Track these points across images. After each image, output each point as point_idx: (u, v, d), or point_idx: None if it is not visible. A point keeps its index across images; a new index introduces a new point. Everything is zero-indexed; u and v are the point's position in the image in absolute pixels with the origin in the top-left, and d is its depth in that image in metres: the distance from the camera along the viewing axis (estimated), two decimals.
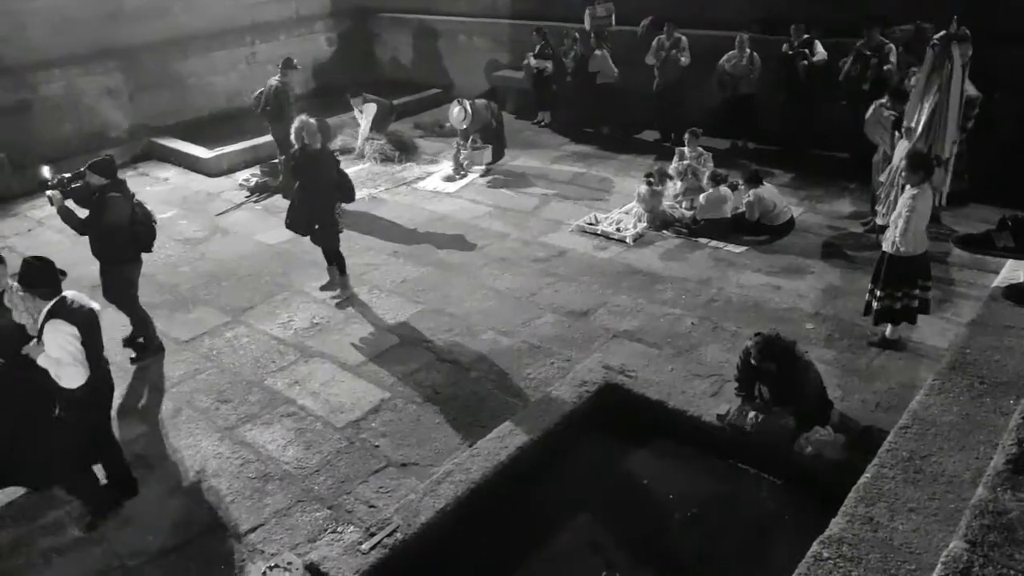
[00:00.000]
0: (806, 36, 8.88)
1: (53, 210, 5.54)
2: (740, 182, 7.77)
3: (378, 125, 10.39)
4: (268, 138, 9.38)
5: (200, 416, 5.35)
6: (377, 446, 4.98)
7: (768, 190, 7.57)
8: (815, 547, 3.31)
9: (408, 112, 11.75)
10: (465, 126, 9.45)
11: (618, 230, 7.71)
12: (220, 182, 9.80)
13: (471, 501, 4.29)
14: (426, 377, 5.67)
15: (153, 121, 11.12)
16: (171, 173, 10.26)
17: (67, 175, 5.60)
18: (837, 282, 6.62)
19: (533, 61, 10.95)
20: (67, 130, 10.28)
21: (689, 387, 5.22)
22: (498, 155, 9.80)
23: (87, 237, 5.62)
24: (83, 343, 3.96)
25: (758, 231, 7.47)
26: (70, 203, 5.57)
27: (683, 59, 9.55)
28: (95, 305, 4.21)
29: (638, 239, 7.60)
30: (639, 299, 6.54)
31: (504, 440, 4.66)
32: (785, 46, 8.97)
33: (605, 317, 6.30)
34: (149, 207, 5.85)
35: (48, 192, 5.49)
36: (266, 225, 8.50)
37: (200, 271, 7.46)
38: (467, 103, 9.43)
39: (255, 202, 9.17)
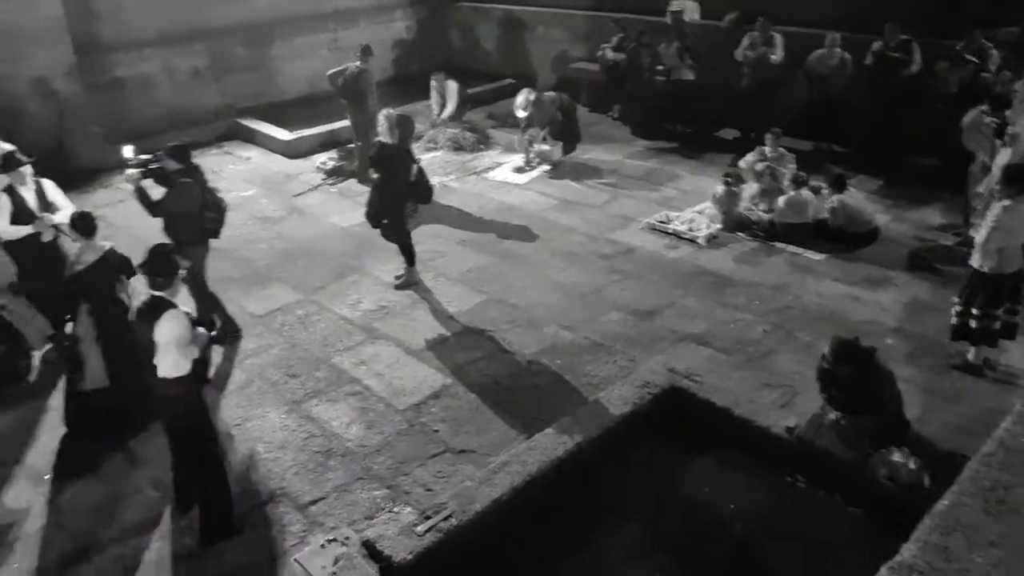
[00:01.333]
0: (903, 38, 8.54)
1: (144, 182, 5.79)
2: (823, 186, 7.56)
3: (452, 113, 10.54)
4: (345, 123, 9.61)
5: (270, 389, 5.56)
6: (436, 431, 5.08)
7: (853, 196, 7.34)
8: (883, 571, 3.21)
9: (483, 101, 11.86)
10: (522, 114, 9.48)
11: (690, 230, 7.61)
12: (299, 164, 10.11)
13: (526, 494, 4.31)
14: (487, 366, 5.74)
15: (238, 102, 11.54)
16: (253, 153, 10.64)
17: (146, 156, 5.85)
18: (923, 296, 6.37)
19: (609, 53, 10.89)
20: (156, 108, 10.75)
21: (757, 396, 5.12)
22: (569, 148, 9.78)
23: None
24: None
25: (840, 238, 7.25)
26: (148, 184, 5.79)
27: (774, 57, 9.31)
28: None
29: (711, 240, 7.49)
30: (709, 302, 6.45)
31: (562, 435, 4.67)
32: (879, 45, 8.65)
33: (672, 318, 6.24)
34: (222, 193, 6.04)
35: (127, 171, 5.74)
36: (340, 208, 8.73)
37: (276, 249, 7.73)
38: (532, 94, 9.46)
39: (331, 185, 9.42)
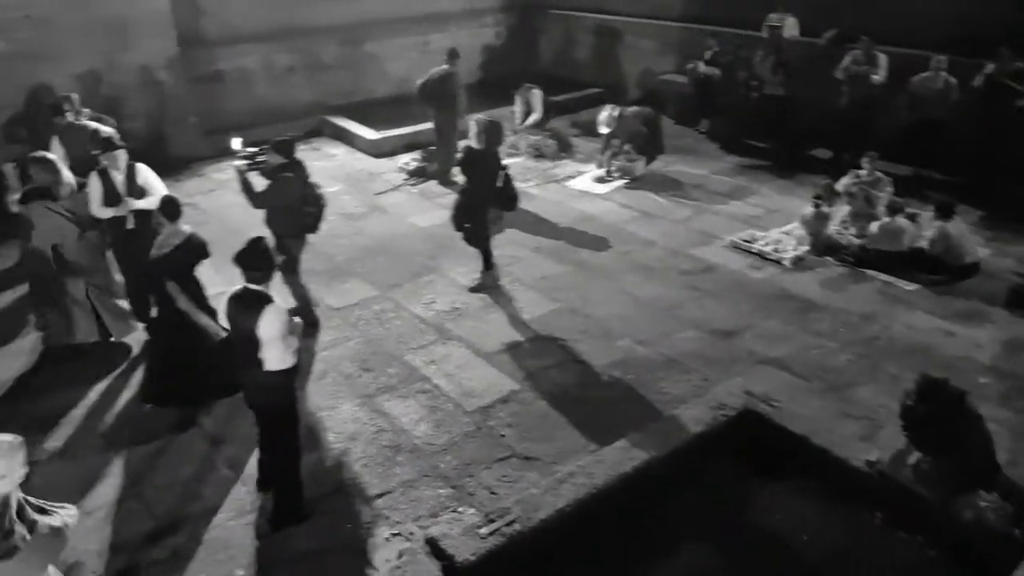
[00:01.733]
0: (1019, 65, 8.12)
1: (234, 174, 6.08)
2: (920, 213, 7.26)
3: (538, 121, 10.62)
4: (429, 125, 9.80)
5: (344, 381, 5.71)
6: (503, 435, 5.12)
7: (956, 226, 7.02)
8: None
9: (568, 109, 11.88)
10: (605, 130, 9.50)
11: (776, 251, 7.44)
12: (382, 163, 10.36)
13: (590, 506, 4.30)
14: (557, 375, 5.75)
15: (328, 100, 11.92)
16: (340, 151, 10.97)
17: (252, 149, 6.12)
18: (1022, 336, 6.05)
19: (702, 67, 10.77)
20: (251, 102, 11.21)
21: (838, 426, 4.96)
22: (650, 160, 9.71)
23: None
24: None
25: (937, 269, 6.94)
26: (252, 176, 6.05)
27: (876, 76, 9.01)
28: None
29: (797, 263, 7.29)
30: (791, 326, 6.29)
31: (631, 451, 4.63)
32: (992, 68, 8.26)
33: (751, 340, 6.11)
34: (321, 190, 6.23)
35: (234, 162, 6.03)
36: (420, 208, 8.90)
37: (357, 245, 7.94)
38: (616, 110, 9.46)
39: (412, 185, 9.62)
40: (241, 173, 5.93)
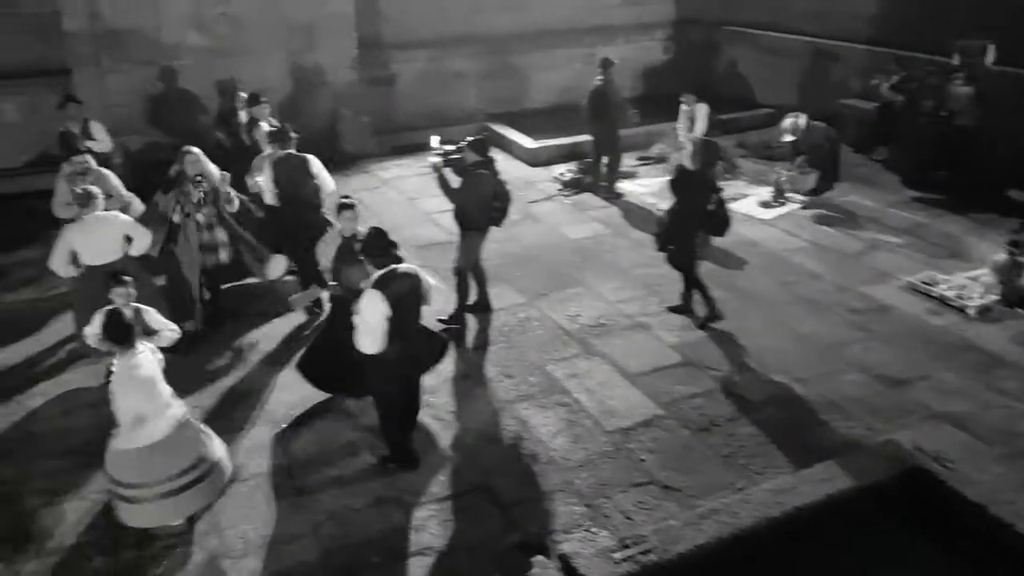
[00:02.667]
0: None
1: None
2: None
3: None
4: (587, 136, 9.84)
5: (484, 384, 5.82)
6: (643, 460, 5.01)
7: None
8: None
9: (735, 129, 11.53)
10: (789, 139, 9.11)
11: (960, 297, 6.83)
12: (538, 172, 10.50)
13: (733, 547, 4.12)
14: (705, 405, 5.57)
15: (490, 107, 12.25)
16: (497, 157, 11.18)
17: (450, 146, 6.52)
18: None
19: (886, 91, 10.11)
20: (418, 105, 11.72)
21: (1021, 498, 4.46)
22: (826, 186, 9.20)
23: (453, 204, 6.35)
24: (392, 317, 4.37)
25: None
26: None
27: None
28: (427, 278, 4.71)
29: (984, 312, 6.66)
30: (971, 381, 5.75)
31: (782, 495, 4.39)
32: None
33: (925, 392, 5.64)
34: (508, 186, 6.54)
35: (431, 159, 6.45)
36: (572, 219, 8.94)
37: (507, 251, 8.08)
38: (802, 118, 9.05)
39: (566, 196, 9.68)
40: (438, 169, 6.32)
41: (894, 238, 8.22)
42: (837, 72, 11.67)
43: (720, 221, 6.38)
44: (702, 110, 10.36)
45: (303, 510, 4.61)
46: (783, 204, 9.12)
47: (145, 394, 4.14)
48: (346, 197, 5.51)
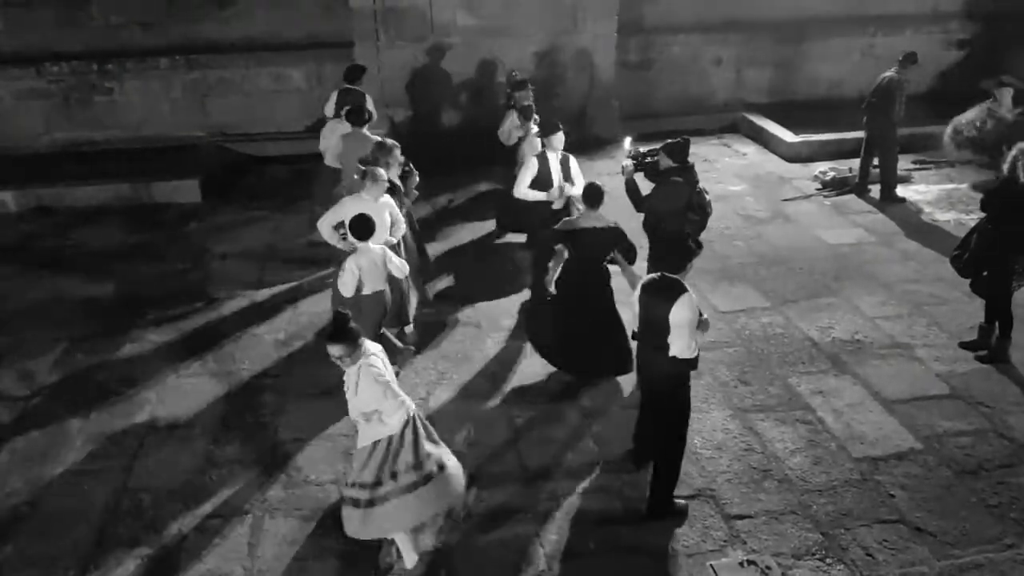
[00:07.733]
0: None
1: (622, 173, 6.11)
2: None
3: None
4: (858, 133, 9.13)
5: (718, 388, 5.68)
6: (892, 496, 4.63)
7: None
8: None
9: None
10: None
11: None
12: (794, 168, 9.96)
13: None
14: (972, 445, 5.02)
15: (749, 96, 11.79)
16: (751, 149, 10.80)
17: (644, 149, 6.01)
18: None
19: None
20: (672, 91, 11.57)
21: None
22: None
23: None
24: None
25: None
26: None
27: None
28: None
29: None
30: None
31: None
32: None
33: None
34: (711, 184, 6.00)
35: (624, 162, 6.01)
36: (831, 223, 8.39)
37: (753, 250, 7.78)
38: None
39: (825, 197, 9.09)
40: (628, 174, 5.89)
41: None
42: None
43: None
44: (1006, 93, 9.20)
45: (530, 480, 4.82)
46: None
47: (381, 391, 3.85)
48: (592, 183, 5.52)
